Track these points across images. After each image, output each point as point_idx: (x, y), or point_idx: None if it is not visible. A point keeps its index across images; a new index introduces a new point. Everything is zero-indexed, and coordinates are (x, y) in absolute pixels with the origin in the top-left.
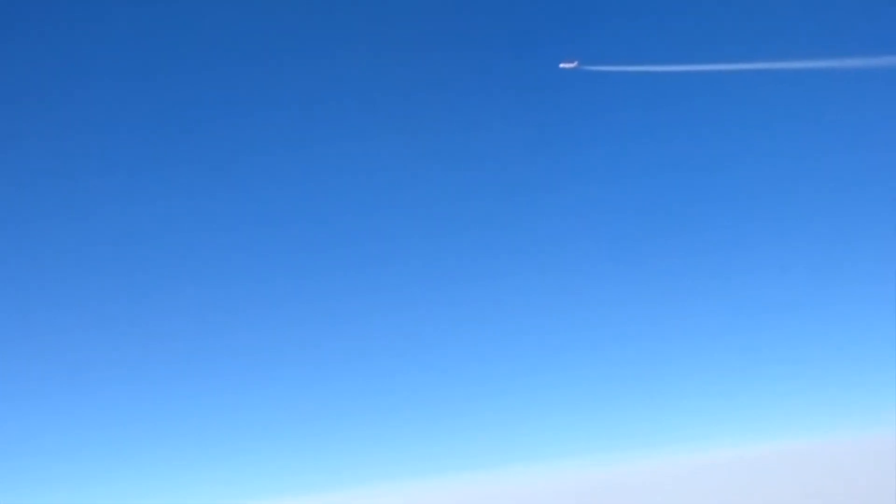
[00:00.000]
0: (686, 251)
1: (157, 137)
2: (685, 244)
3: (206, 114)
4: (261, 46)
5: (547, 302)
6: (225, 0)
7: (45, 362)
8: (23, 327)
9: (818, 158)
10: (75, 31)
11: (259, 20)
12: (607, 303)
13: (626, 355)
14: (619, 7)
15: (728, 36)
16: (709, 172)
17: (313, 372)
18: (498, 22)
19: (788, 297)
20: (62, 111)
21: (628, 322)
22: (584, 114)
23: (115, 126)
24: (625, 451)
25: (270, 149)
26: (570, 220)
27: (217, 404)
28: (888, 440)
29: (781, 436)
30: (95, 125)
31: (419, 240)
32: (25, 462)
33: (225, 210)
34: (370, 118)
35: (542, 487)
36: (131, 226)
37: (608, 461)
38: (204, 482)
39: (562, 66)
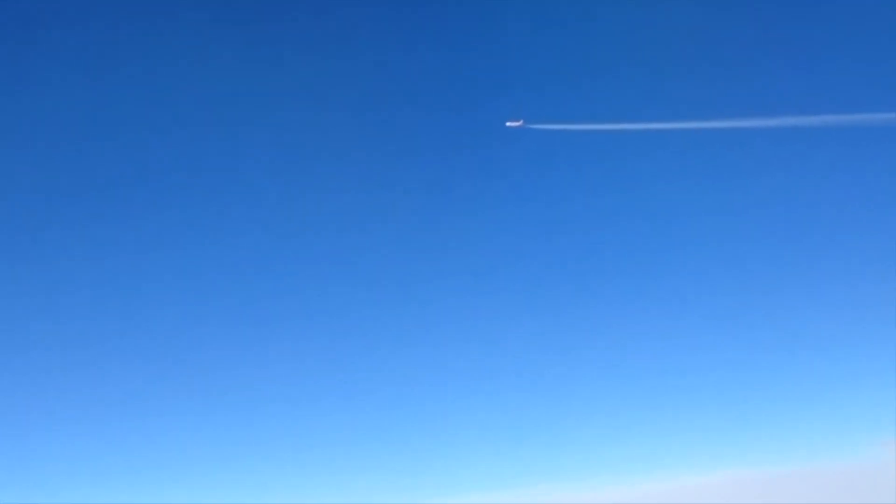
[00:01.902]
0: (628, 297)
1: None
2: (629, 291)
3: None
4: None
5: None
6: None
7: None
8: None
9: (749, 211)
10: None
11: None
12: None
13: None
14: (563, 69)
15: (668, 96)
16: (657, 222)
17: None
18: (447, 83)
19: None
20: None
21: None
22: (530, 169)
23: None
24: None
25: None
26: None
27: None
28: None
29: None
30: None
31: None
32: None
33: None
34: (323, 175)
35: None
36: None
37: None
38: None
39: (508, 124)
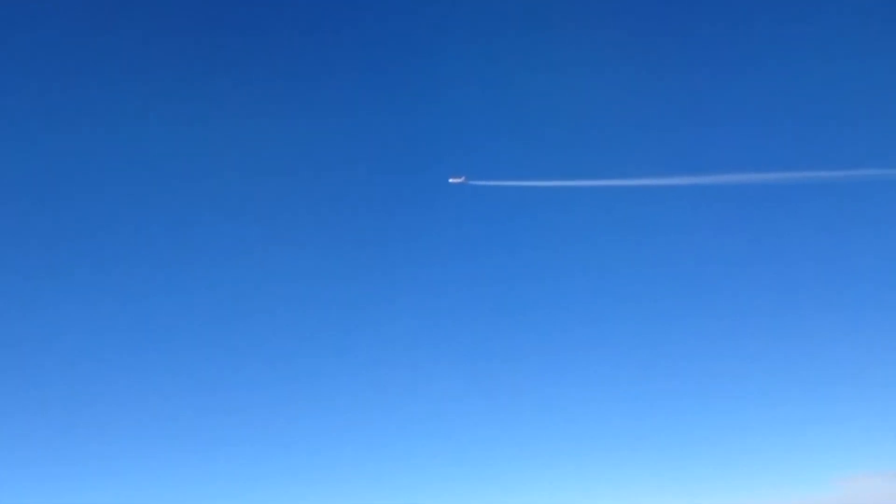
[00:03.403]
0: (564, 348)
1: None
2: (564, 342)
3: None
4: None
5: None
6: None
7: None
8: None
9: (676, 266)
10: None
11: None
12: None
13: None
14: (503, 130)
15: (601, 155)
16: (592, 274)
17: None
18: (393, 142)
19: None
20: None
21: None
22: (471, 222)
23: None
24: None
25: None
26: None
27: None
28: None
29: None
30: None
31: None
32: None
33: None
34: (269, 230)
35: None
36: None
37: None
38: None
39: (451, 181)
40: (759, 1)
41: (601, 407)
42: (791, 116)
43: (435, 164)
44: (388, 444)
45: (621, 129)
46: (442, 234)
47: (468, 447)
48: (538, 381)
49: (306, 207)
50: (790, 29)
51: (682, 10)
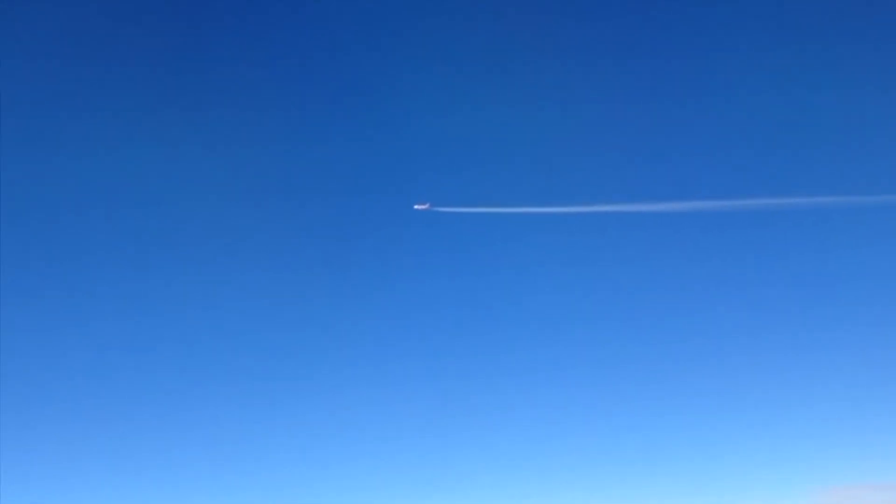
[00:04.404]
0: (525, 375)
1: None
2: (527, 368)
3: None
4: None
5: None
6: None
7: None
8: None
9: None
10: None
11: None
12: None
13: None
14: (468, 156)
15: (566, 183)
16: (557, 302)
17: None
18: (358, 168)
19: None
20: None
21: None
22: (436, 250)
23: None
24: None
25: None
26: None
27: None
28: None
29: None
30: None
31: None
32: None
33: None
34: (231, 257)
35: None
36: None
37: None
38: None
39: (416, 207)
40: (727, 29)
41: (569, 428)
42: (750, 144)
43: (400, 191)
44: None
45: (586, 157)
46: (406, 260)
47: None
48: (501, 406)
49: (271, 234)
50: (758, 56)
51: (646, 40)
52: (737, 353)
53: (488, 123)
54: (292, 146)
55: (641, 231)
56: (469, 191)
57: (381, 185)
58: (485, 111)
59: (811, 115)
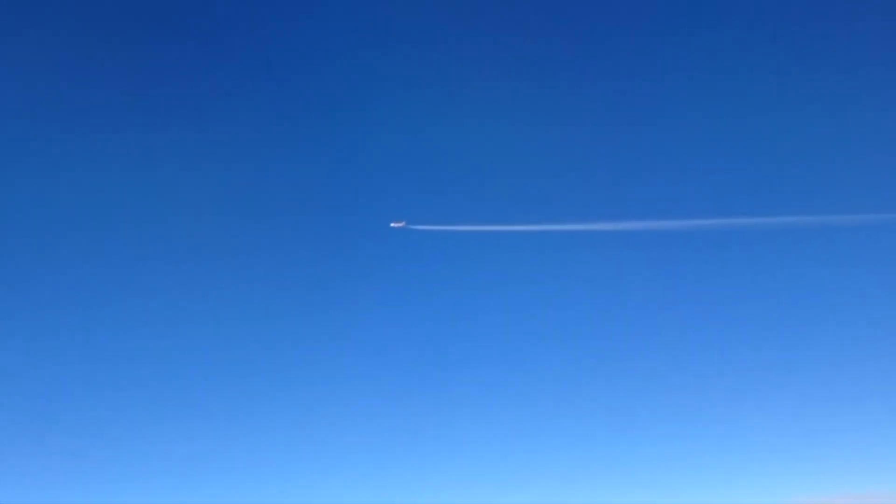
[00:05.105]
0: (497, 391)
1: None
2: (499, 385)
3: None
4: None
5: None
6: None
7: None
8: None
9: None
10: None
11: None
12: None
13: None
14: (445, 174)
15: (538, 201)
16: (533, 317)
17: None
18: (335, 187)
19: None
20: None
21: None
22: (412, 267)
23: None
24: None
25: None
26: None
27: None
28: None
29: None
30: None
31: None
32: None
33: None
34: (214, 272)
35: None
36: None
37: None
38: None
39: (392, 225)
40: (705, 44)
41: (545, 436)
42: (725, 162)
43: (375, 209)
44: None
45: (560, 175)
46: (382, 277)
47: None
48: (473, 428)
49: (248, 251)
50: (749, 77)
51: (619, 59)
52: (721, 369)
53: (464, 142)
54: (268, 164)
55: (618, 248)
56: (444, 209)
57: (357, 204)
58: (460, 130)
59: (802, 135)
